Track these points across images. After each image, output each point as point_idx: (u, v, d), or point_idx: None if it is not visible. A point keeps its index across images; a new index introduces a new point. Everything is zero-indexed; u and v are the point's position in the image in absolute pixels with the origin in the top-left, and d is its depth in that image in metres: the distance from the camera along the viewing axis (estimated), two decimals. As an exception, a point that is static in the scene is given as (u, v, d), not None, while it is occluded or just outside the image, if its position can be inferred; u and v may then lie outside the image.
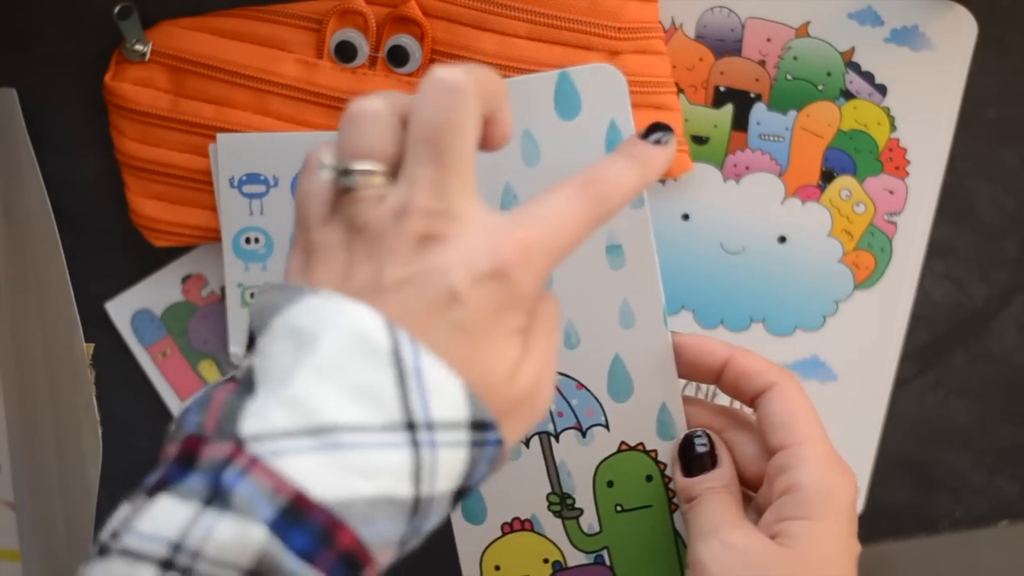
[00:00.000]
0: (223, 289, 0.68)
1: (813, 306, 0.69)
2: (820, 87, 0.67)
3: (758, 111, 0.67)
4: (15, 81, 0.66)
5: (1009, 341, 0.68)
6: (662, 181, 0.67)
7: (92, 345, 0.67)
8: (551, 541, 0.60)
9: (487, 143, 0.48)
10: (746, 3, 0.66)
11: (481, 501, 0.60)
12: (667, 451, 0.59)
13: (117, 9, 0.63)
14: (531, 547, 0.60)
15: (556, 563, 0.60)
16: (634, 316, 0.58)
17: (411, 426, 0.42)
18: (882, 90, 0.67)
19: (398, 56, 0.64)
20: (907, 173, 0.68)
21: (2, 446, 0.70)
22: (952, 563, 0.72)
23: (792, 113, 0.67)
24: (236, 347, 0.68)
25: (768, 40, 0.66)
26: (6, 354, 0.69)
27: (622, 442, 0.59)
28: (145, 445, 0.70)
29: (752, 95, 0.67)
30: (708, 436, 0.57)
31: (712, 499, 0.55)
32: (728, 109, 0.67)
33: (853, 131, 0.67)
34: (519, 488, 0.59)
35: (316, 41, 0.64)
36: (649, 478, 0.59)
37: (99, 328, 0.69)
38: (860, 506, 0.68)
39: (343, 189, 0.46)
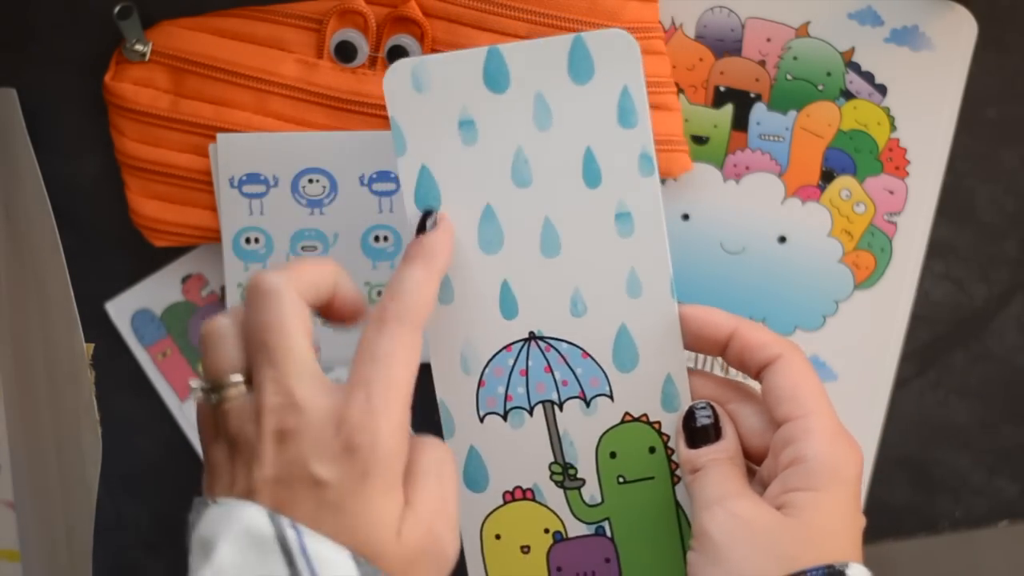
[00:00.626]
0: (223, 289, 0.68)
1: (813, 306, 0.69)
2: (820, 87, 0.67)
3: (758, 111, 0.67)
4: (15, 81, 0.66)
5: (1009, 341, 0.68)
6: (662, 181, 0.67)
7: (92, 345, 0.67)
8: (552, 511, 0.59)
9: (336, 318, 0.54)
10: (746, 3, 0.66)
11: (483, 469, 0.59)
12: (671, 423, 0.59)
13: (117, 9, 0.63)
14: (532, 516, 0.60)
15: (557, 533, 0.60)
16: (641, 285, 0.57)
17: None
18: (882, 90, 0.67)
19: (398, 56, 0.64)
20: (907, 173, 0.68)
21: (2, 446, 0.70)
22: (952, 563, 0.72)
23: (792, 113, 0.67)
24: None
25: (768, 40, 0.66)
26: (6, 354, 0.69)
27: (626, 413, 0.59)
28: (145, 445, 0.70)
29: (752, 95, 0.67)
30: (712, 408, 0.57)
31: (716, 470, 0.55)
32: (728, 109, 0.67)
33: (853, 131, 0.67)
34: (521, 457, 0.59)
35: (316, 41, 0.64)
36: (652, 450, 0.59)
37: (99, 328, 0.69)
38: (861, 502, 0.68)
39: (214, 405, 0.50)
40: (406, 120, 0.57)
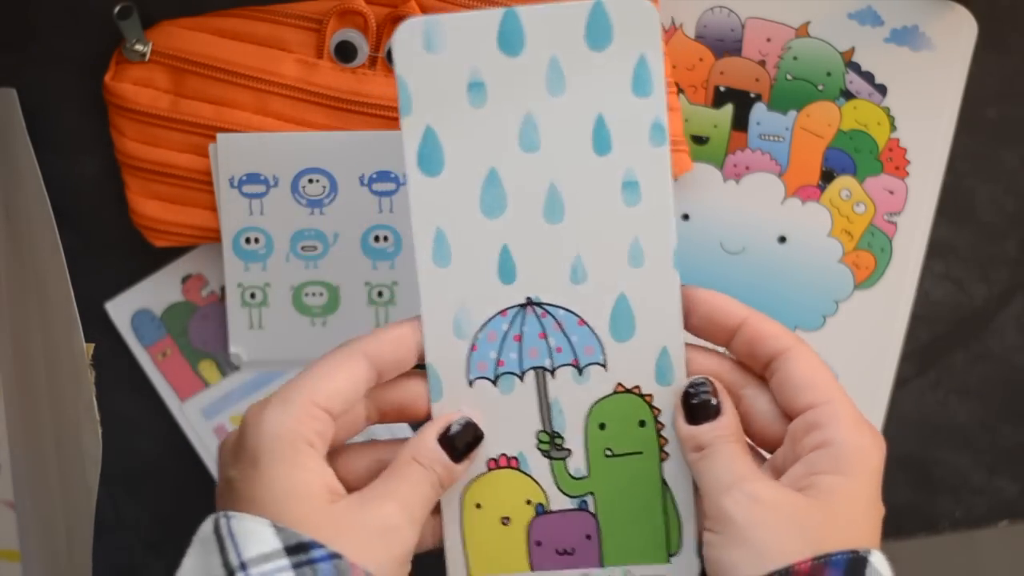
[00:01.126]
0: (223, 289, 0.68)
1: (813, 306, 0.69)
2: (820, 87, 0.67)
3: (758, 111, 0.67)
4: (15, 81, 0.66)
5: (1009, 341, 0.68)
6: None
7: (92, 345, 0.67)
8: (536, 481, 0.58)
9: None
10: (746, 3, 0.66)
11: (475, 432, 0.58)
12: (664, 397, 0.57)
13: (117, 9, 0.63)
14: (515, 486, 0.58)
15: (539, 505, 0.58)
16: (644, 255, 0.56)
17: (230, 574, 0.50)
18: (882, 90, 0.67)
19: (398, 56, 0.64)
20: (907, 173, 0.68)
21: (2, 446, 0.70)
22: (952, 563, 0.72)
23: (792, 113, 0.67)
24: (236, 347, 0.68)
25: (768, 40, 0.67)
26: (6, 354, 0.69)
27: (618, 383, 0.57)
28: (145, 445, 0.70)
29: (752, 95, 0.67)
30: (712, 383, 0.56)
31: (725, 449, 0.54)
32: (728, 109, 0.67)
33: (853, 131, 0.67)
34: (509, 423, 0.58)
35: (316, 41, 0.64)
36: (642, 423, 0.58)
37: (99, 328, 0.69)
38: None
39: None
40: (413, 80, 0.55)
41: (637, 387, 0.57)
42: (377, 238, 0.66)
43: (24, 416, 0.69)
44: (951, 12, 0.66)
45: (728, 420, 0.55)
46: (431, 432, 0.55)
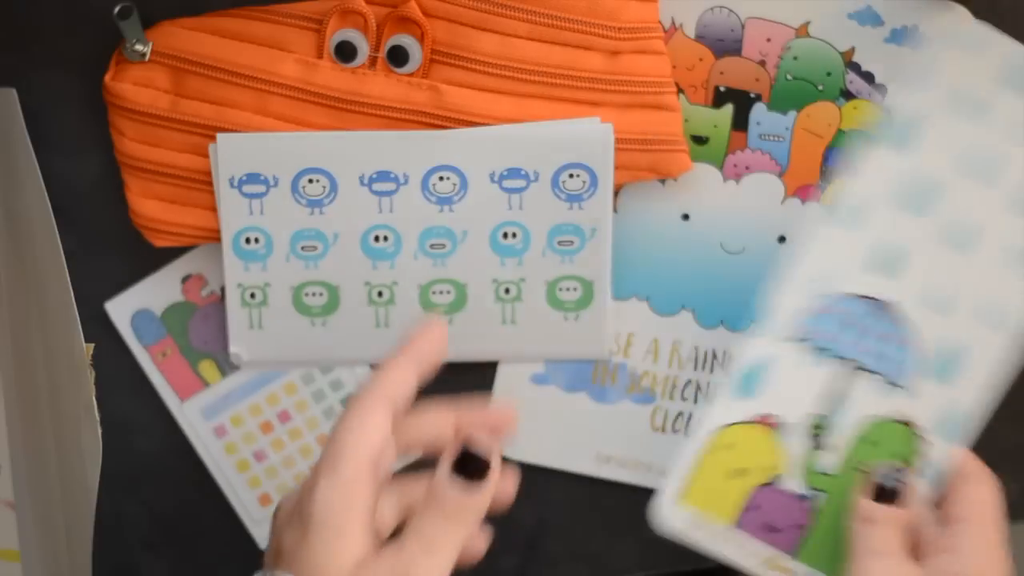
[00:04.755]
0: (223, 289, 0.68)
1: (813, 306, 0.69)
2: (820, 87, 0.67)
3: (758, 111, 0.67)
4: (15, 81, 0.66)
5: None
6: (662, 181, 0.67)
7: (92, 345, 0.67)
8: (784, 454, 0.61)
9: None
10: (746, 3, 0.66)
11: (759, 381, 0.61)
12: (937, 448, 0.61)
13: (117, 9, 0.63)
14: (766, 448, 0.61)
15: (776, 476, 0.61)
16: (1007, 321, 0.61)
17: None
18: (882, 90, 0.67)
19: (398, 56, 0.64)
20: (907, 173, 0.68)
21: (2, 446, 0.70)
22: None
23: (792, 113, 0.67)
24: (236, 347, 0.68)
25: (768, 40, 0.66)
26: (6, 354, 0.69)
27: (910, 418, 0.61)
28: (145, 445, 0.70)
29: (752, 95, 0.67)
30: (905, 476, 0.60)
31: (890, 528, 0.59)
32: (728, 109, 0.67)
33: (853, 131, 0.67)
34: (796, 392, 0.61)
35: (316, 41, 0.64)
36: (903, 460, 0.61)
37: (99, 328, 0.69)
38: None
39: None
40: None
41: (922, 429, 0.61)
42: (377, 238, 0.66)
43: (24, 416, 0.69)
44: (951, 12, 0.66)
45: (906, 513, 0.60)
46: (444, 469, 0.56)
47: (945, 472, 0.62)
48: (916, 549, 0.60)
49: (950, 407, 0.61)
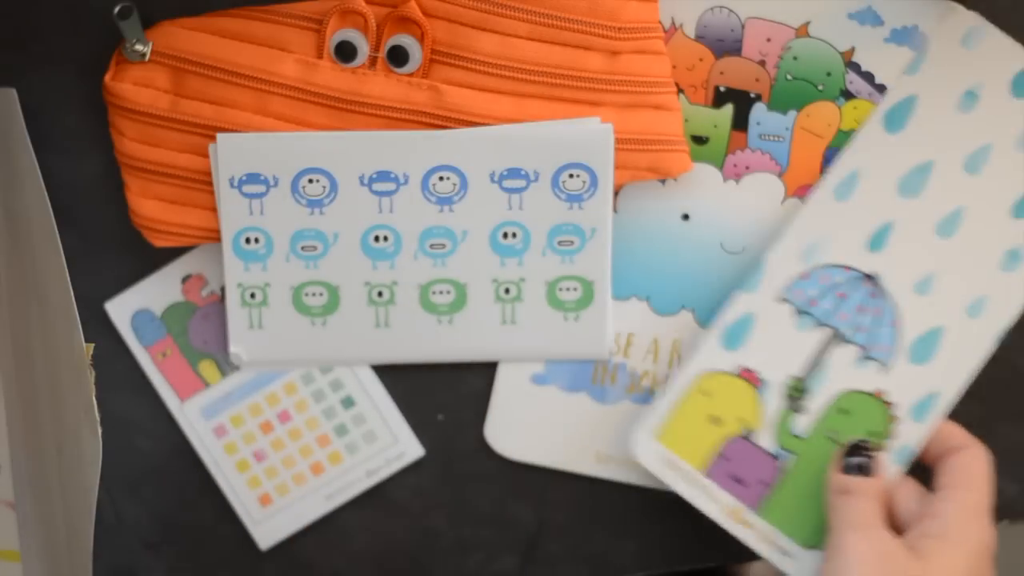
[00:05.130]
0: (223, 289, 0.68)
1: (813, 306, 0.69)
2: (820, 87, 0.67)
3: (758, 111, 0.67)
4: (15, 81, 0.66)
5: (1009, 341, 0.68)
6: (662, 181, 0.67)
7: (92, 345, 0.67)
8: (762, 410, 0.63)
9: None
10: (746, 3, 0.66)
11: (745, 335, 0.64)
12: (906, 427, 0.63)
13: (117, 9, 0.63)
14: (743, 401, 0.63)
15: (747, 431, 0.64)
16: (984, 311, 0.64)
17: None
18: (882, 90, 0.67)
19: (398, 56, 0.64)
20: (907, 173, 0.68)
21: (2, 446, 0.70)
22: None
23: (792, 113, 0.67)
24: (236, 347, 0.68)
25: (768, 40, 0.67)
26: (6, 354, 0.69)
27: (883, 391, 0.63)
28: (145, 445, 0.70)
29: (752, 95, 0.67)
30: (873, 454, 0.62)
31: (865, 499, 0.61)
32: (728, 109, 0.67)
33: (853, 131, 0.67)
34: (780, 352, 0.63)
35: (316, 41, 0.64)
36: (874, 434, 0.63)
37: (99, 328, 0.69)
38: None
39: None
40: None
41: (895, 405, 0.63)
42: (377, 238, 0.66)
43: (24, 416, 0.69)
44: (951, 12, 0.66)
45: (876, 482, 0.62)
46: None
47: (914, 451, 0.64)
48: (898, 525, 0.62)
49: (923, 388, 0.63)
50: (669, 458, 0.64)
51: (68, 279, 0.64)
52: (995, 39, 0.64)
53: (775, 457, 0.64)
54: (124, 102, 0.65)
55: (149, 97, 0.65)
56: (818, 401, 0.64)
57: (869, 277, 0.63)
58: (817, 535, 0.64)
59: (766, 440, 0.64)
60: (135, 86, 0.65)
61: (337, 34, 0.64)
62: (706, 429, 0.64)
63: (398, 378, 0.69)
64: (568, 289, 0.67)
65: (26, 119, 0.65)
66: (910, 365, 0.63)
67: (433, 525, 0.70)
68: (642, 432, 0.65)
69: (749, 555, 0.66)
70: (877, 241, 0.63)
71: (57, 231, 0.64)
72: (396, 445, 0.69)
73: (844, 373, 0.63)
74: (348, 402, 0.69)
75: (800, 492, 0.64)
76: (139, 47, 0.64)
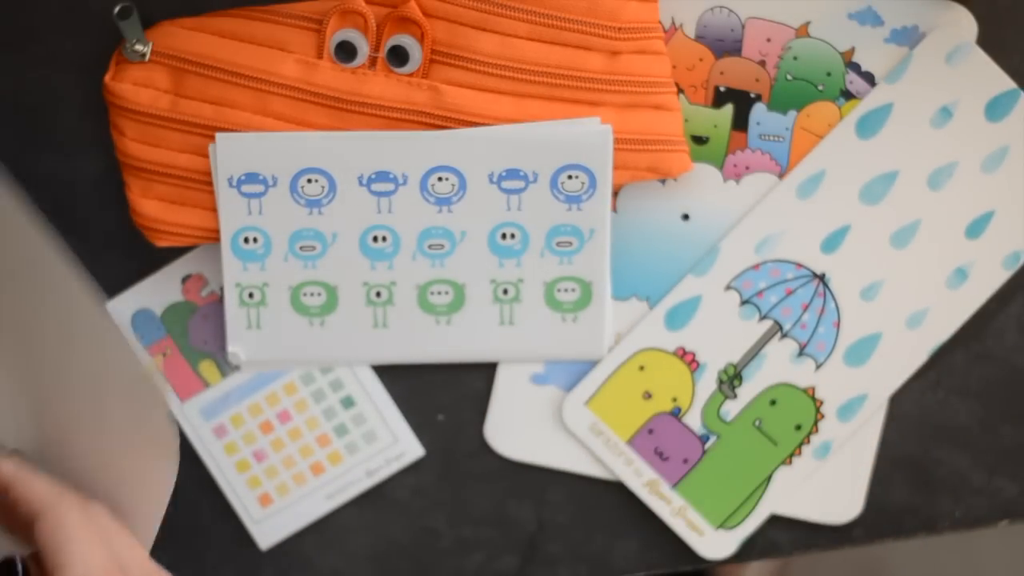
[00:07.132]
0: (223, 289, 0.68)
1: (813, 306, 0.69)
2: (820, 87, 0.67)
3: (758, 111, 0.67)
4: (15, 81, 0.66)
5: (1009, 341, 0.68)
6: (662, 181, 0.67)
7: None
8: (694, 392, 0.65)
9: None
10: (746, 3, 0.66)
11: (689, 317, 0.65)
12: (831, 425, 0.65)
13: (117, 9, 0.63)
14: (677, 380, 0.65)
15: (678, 408, 0.65)
16: (924, 322, 0.66)
17: None
18: (882, 90, 0.67)
19: (398, 56, 0.64)
20: (907, 173, 0.68)
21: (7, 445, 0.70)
22: (952, 563, 0.72)
23: (792, 113, 0.67)
24: (234, 346, 0.68)
25: (768, 40, 0.66)
26: (12, 354, 0.69)
27: (816, 389, 0.65)
28: (145, 445, 0.70)
29: (752, 95, 0.67)
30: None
31: None
32: (728, 109, 0.67)
33: (853, 131, 0.67)
34: (719, 338, 0.65)
35: (316, 41, 0.64)
36: (798, 428, 0.65)
37: (99, 328, 0.69)
38: (859, 508, 0.68)
39: None
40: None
41: (824, 402, 0.65)
42: (376, 238, 0.66)
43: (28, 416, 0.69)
44: (951, 12, 0.66)
45: None
46: None
47: (833, 449, 0.65)
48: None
49: (852, 389, 0.65)
50: (595, 424, 0.66)
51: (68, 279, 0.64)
52: (979, 60, 0.64)
53: (700, 438, 0.66)
54: (124, 102, 0.65)
55: (149, 97, 0.65)
56: (750, 389, 0.65)
57: (818, 277, 0.64)
58: (730, 516, 0.66)
59: (694, 420, 0.65)
60: (135, 86, 0.65)
61: (337, 34, 0.64)
62: (637, 402, 0.66)
63: (398, 378, 0.69)
64: (566, 290, 0.67)
65: (26, 119, 0.65)
66: (844, 366, 0.65)
67: (433, 525, 0.70)
68: (574, 398, 0.67)
69: (744, 556, 0.66)
70: (831, 243, 0.64)
71: (56, 231, 0.64)
72: (396, 445, 0.69)
73: (779, 366, 0.65)
74: (348, 402, 0.69)
75: (718, 473, 0.65)
76: (139, 47, 0.64)
